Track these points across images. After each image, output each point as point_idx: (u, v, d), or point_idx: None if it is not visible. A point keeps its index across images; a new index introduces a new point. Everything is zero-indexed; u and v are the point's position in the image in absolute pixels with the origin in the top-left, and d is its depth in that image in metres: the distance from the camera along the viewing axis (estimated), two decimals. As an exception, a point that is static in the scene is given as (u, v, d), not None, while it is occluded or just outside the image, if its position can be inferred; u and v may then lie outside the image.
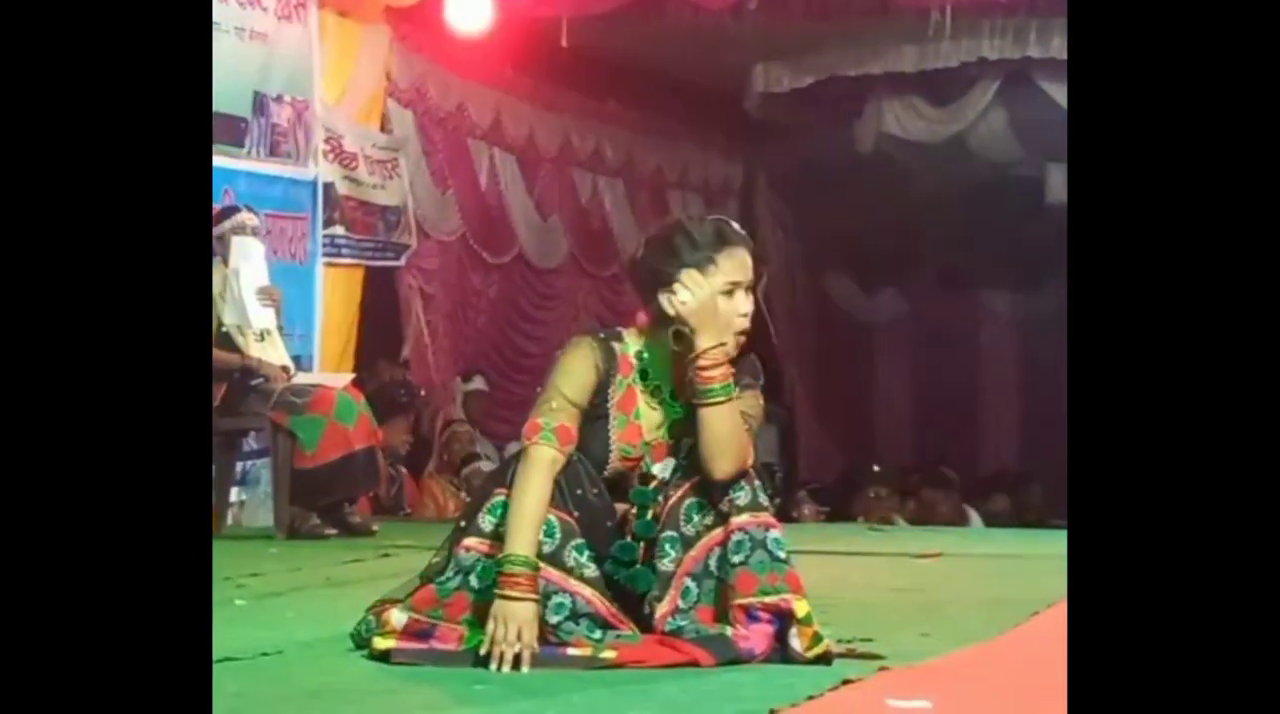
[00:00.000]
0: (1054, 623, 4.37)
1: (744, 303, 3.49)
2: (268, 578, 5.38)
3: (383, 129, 9.42)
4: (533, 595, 3.33)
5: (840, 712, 2.91)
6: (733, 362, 3.51)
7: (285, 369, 7.32)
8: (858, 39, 10.48)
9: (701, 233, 3.50)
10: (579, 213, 11.59)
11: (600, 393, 3.49)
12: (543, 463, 3.40)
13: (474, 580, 3.42)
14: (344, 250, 8.96)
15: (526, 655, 3.29)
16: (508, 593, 3.32)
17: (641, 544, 3.48)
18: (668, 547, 3.46)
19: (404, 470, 9.26)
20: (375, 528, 7.19)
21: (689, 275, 3.43)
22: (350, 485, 7.19)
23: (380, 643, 3.46)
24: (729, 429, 3.43)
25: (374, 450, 7.30)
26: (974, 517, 11.98)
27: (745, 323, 3.49)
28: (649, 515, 3.49)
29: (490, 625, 3.32)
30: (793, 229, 14.07)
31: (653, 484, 3.51)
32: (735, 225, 3.56)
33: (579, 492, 3.44)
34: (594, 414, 3.49)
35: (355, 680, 3.29)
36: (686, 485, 3.48)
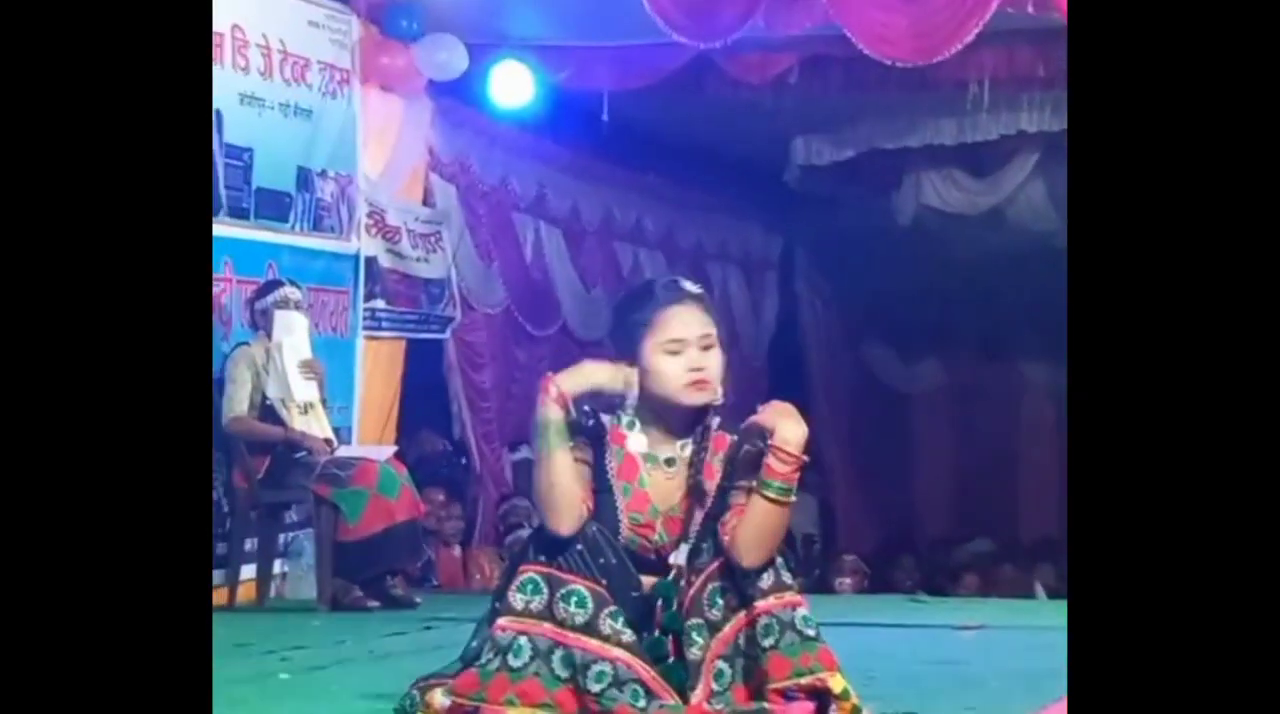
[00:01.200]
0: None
1: (697, 359, 3.49)
2: (311, 651, 5.40)
3: (425, 203, 9.49)
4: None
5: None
6: (732, 423, 3.54)
7: (328, 442, 7.37)
8: (896, 112, 10.54)
9: (633, 294, 3.59)
10: (621, 285, 11.64)
11: (599, 465, 3.51)
12: (559, 425, 3.46)
13: (512, 660, 3.43)
14: (384, 323, 9.02)
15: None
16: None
17: (670, 637, 3.48)
18: (695, 635, 3.46)
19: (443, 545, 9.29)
20: (418, 600, 7.21)
21: (634, 342, 3.49)
22: (393, 557, 7.21)
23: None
24: (776, 525, 3.44)
25: (416, 523, 7.33)
26: (1039, 589, 11.90)
27: (701, 376, 3.48)
28: (674, 608, 3.48)
29: None
30: (831, 300, 14.11)
31: (672, 574, 3.51)
32: (684, 282, 3.57)
33: (601, 560, 3.45)
34: (598, 487, 3.51)
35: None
36: (708, 570, 3.48)
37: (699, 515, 3.52)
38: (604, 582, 3.44)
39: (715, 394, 3.51)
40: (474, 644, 3.54)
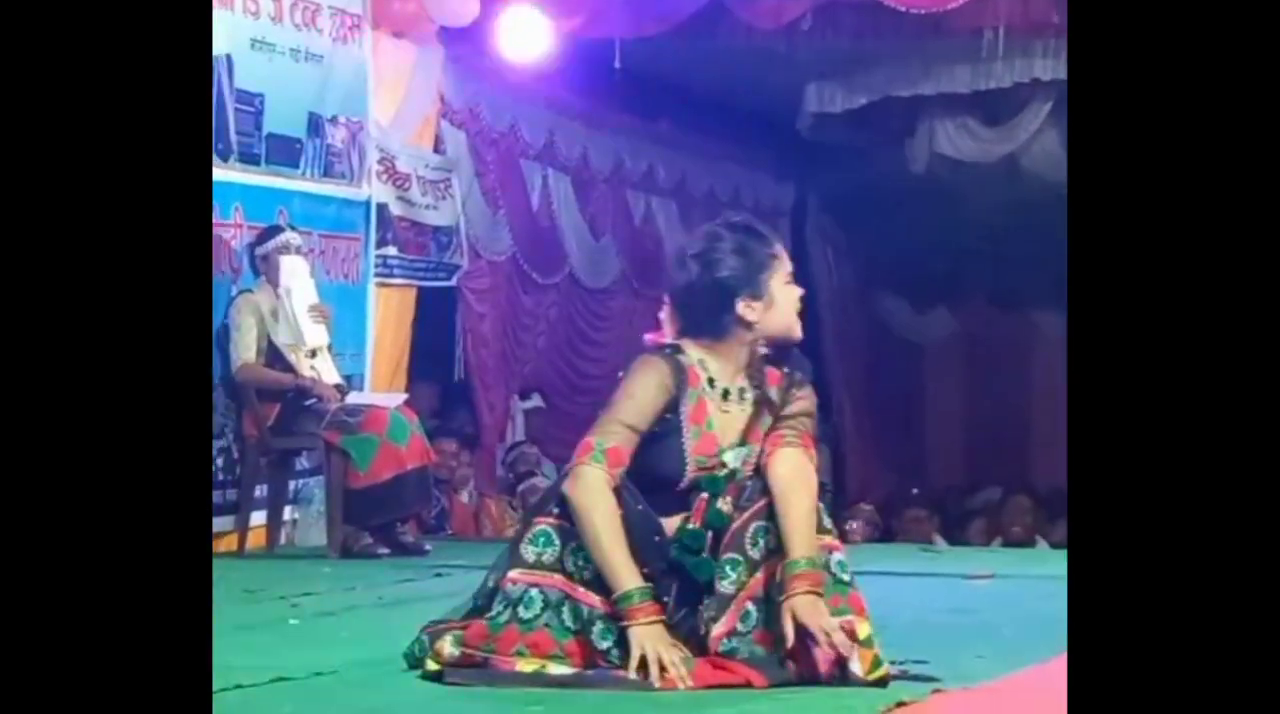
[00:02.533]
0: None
1: (798, 289, 3.59)
2: (321, 597, 5.40)
3: (436, 150, 9.45)
4: (657, 617, 3.36)
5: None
6: (781, 358, 3.58)
7: (338, 388, 7.36)
8: (910, 59, 10.47)
9: (748, 235, 3.58)
10: (632, 233, 11.60)
11: (671, 409, 3.50)
12: (598, 485, 3.41)
13: (523, 612, 3.42)
14: (396, 271, 8.99)
15: (674, 672, 3.30)
16: (635, 622, 3.34)
17: (710, 533, 3.47)
18: (729, 569, 3.45)
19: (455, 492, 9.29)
20: (428, 547, 7.20)
21: (760, 279, 3.51)
22: (403, 505, 7.21)
23: (433, 664, 3.47)
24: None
25: (426, 470, 7.33)
26: (1041, 540, 11.91)
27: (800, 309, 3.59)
28: (718, 504, 3.48)
29: (635, 654, 3.33)
30: (844, 249, 14.06)
31: (723, 471, 3.51)
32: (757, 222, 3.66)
33: (622, 513, 3.44)
34: (666, 429, 3.49)
35: (409, 700, 3.30)
36: (753, 508, 3.48)
37: (758, 437, 3.53)
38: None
39: None
40: (488, 585, 3.53)
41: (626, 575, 3.36)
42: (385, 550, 7.07)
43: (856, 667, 3.38)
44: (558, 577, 3.43)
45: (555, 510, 3.47)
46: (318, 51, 8.28)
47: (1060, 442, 10.84)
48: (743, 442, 3.53)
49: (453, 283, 9.56)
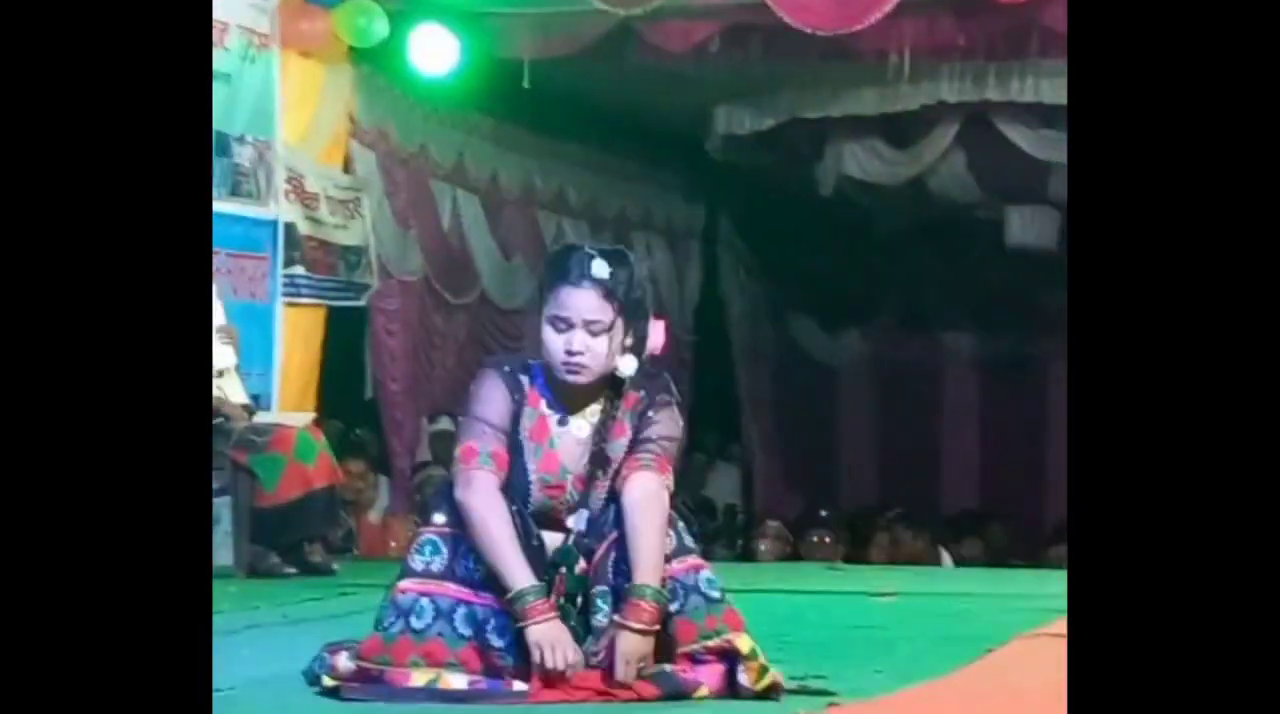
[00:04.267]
0: (1006, 660, 4.40)
1: (579, 341, 3.47)
2: (226, 616, 5.37)
3: (345, 169, 9.44)
4: (552, 615, 3.36)
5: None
6: (644, 381, 3.54)
7: (245, 408, 7.33)
8: (817, 82, 10.56)
9: (553, 263, 3.58)
10: (543, 254, 11.60)
11: (514, 422, 3.51)
12: (488, 486, 3.42)
13: (414, 622, 3.43)
14: (304, 290, 8.96)
15: (566, 661, 3.32)
16: (532, 621, 3.33)
17: (578, 599, 3.48)
18: (600, 602, 3.46)
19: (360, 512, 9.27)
20: (336, 567, 7.18)
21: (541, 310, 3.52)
22: (310, 524, 7.19)
23: (329, 680, 3.47)
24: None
25: (334, 490, 7.31)
26: (945, 557, 12.01)
27: (576, 360, 3.47)
28: (576, 571, 3.48)
29: (534, 653, 3.33)
30: (755, 270, 14.13)
31: (570, 538, 3.51)
32: (595, 264, 3.49)
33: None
34: (510, 448, 3.50)
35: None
36: (611, 536, 3.49)
37: (602, 480, 3.52)
38: None
39: (589, 377, 3.50)
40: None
41: (522, 574, 3.36)
42: (292, 570, 7.05)
43: (744, 679, 3.41)
44: (448, 585, 3.44)
45: (441, 519, 3.48)
46: (225, 70, 8.25)
47: (971, 462, 10.88)
48: (592, 472, 3.53)
49: (362, 303, 9.54)
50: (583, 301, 3.48)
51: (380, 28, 8.91)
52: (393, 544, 9.35)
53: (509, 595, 3.36)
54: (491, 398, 3.50)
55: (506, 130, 10.97)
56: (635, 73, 9.75)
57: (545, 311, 3.50)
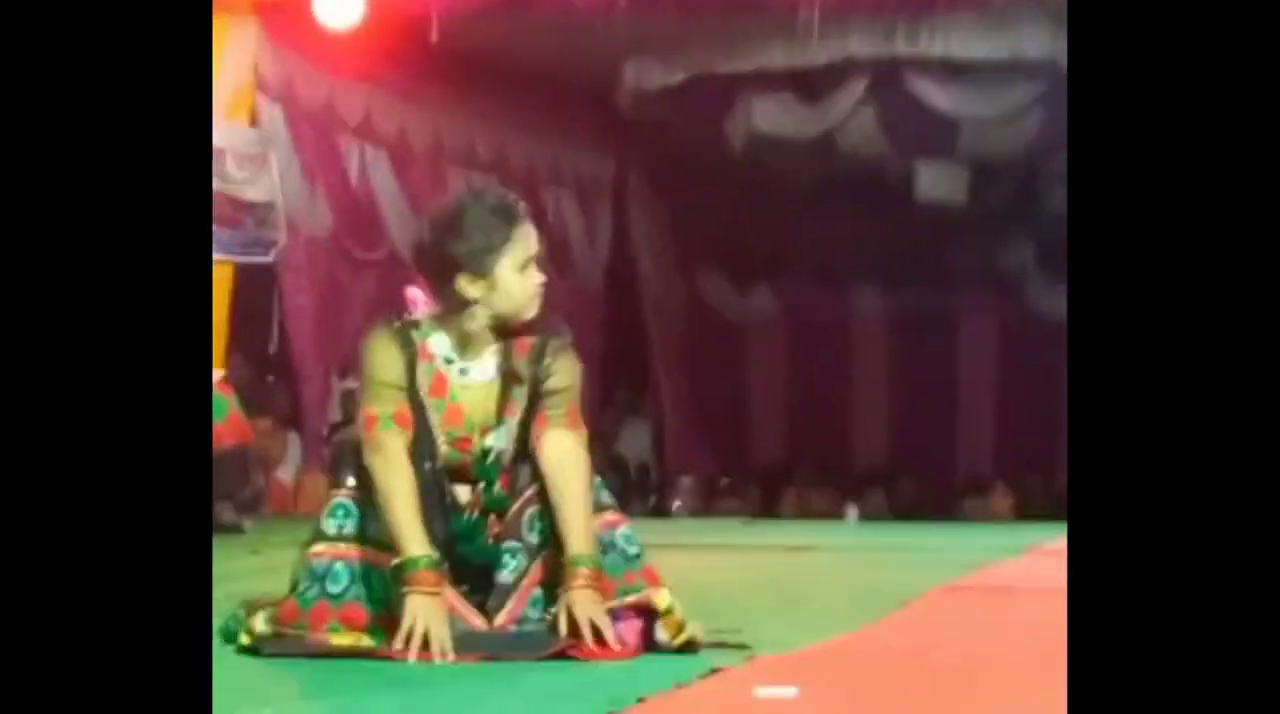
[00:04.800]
0: (921, 613, 4.43)
1: (538, 275, 3.48)
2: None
3: (251, 124, 9.33)
4: (437, 589, 3.31)
5: (708, 700, 2.92)
6: (538, 323, 3.50)
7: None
8: (728, 36, 10.54)
9: (490, 211, 3.46)
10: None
11: (410, 379, 3.46)
12: (394, 450, 3.38)
13: (330, 586, 3.39)
14: (212, 247, 8.87)
15: (437, 647, 3.26)
16: (414, 589, 3.29)
17: (490, 517, 3.45)
18: (508, 558, 3.43)
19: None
20: (246, 525, 7.13)
21: (489, 259, 3.41)
22: (220, 483, 7.12)
23: (246, 639, 3.43)
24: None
25: (244, 447, 7.26)
26: (851, 512, 12.11)
27: (541, 293, 3.48)
28: (495, 489, 3.46)
29: (404, 624, 3.27)
30: (666, 226, 14.11)
31: (490, 457, 3.48)
32: (515, 198, 3.51)
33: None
34: (412, 405, 3.45)
35: (223, 673, 3.25)
36: (525, 495, 3.46)
37: (515, 411, 3.49)
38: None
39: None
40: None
41: (414, 542, 3.31)
42: (202, 529, 6.99)
43: (662, 634, 3.40)
44: (364, 548, 3.40)
45: (351, 481, 3.44)
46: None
47: (880, 418, 10.97)
48: (499, 419, 3.49)
49: (270, 259, 9.45)
50: (534, 234, 3.49)
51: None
52: (306, 502, 9.31)
53: (397, 560, 3.32)
54: (384, 359, 3.46)
55: (414, 85, 10.89)
56: (544, 27, 9.70)
57: (507, 260, 3.42)
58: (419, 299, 3.55)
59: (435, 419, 3.47)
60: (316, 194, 10.01)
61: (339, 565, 3.39)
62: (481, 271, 3.41)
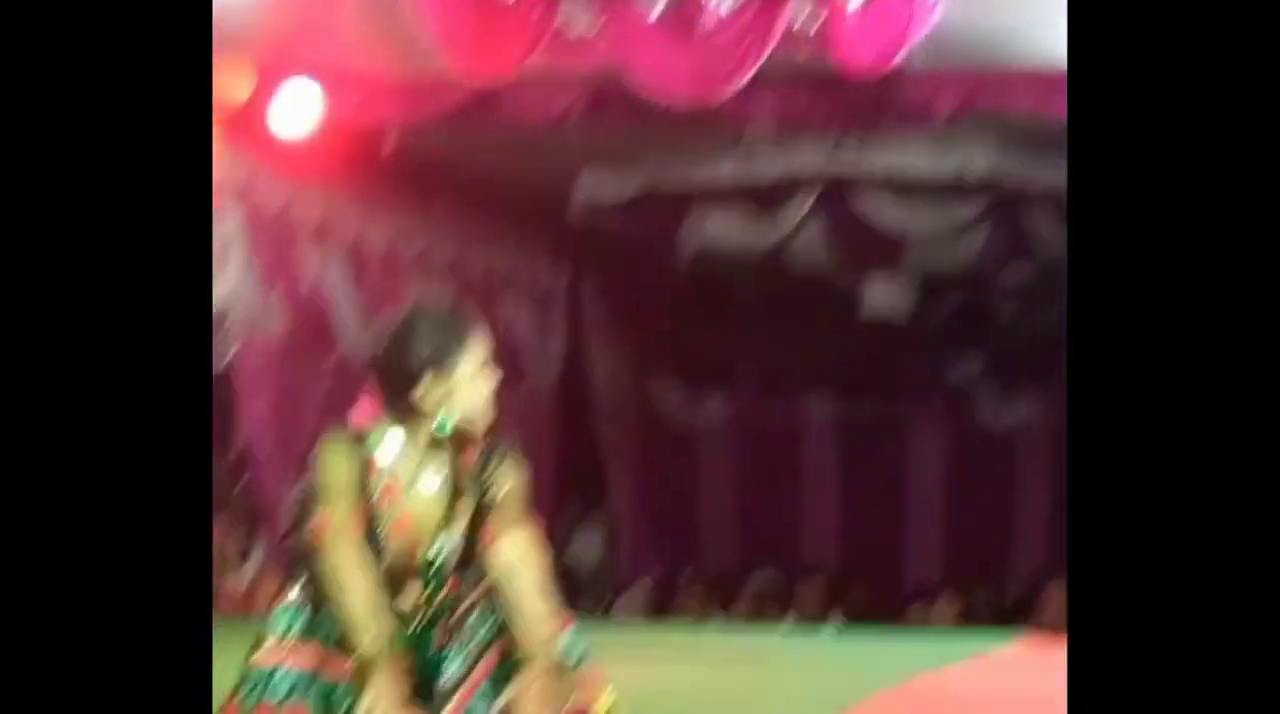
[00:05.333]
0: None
1: (493, 378, 3.59)
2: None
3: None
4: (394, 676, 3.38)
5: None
6: (485, 436, 3.59)
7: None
8: (678, 150, 10.69)
9: (444, 319, 3.58)
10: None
11: (361, 488, 3.52)
12: (348, 551, 3.44)
13: (272, 695, 3.43)
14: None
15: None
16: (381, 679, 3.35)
17: (437, 626, 3.53)
18: (449, 664, 3.50)
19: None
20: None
21: (447, 365, 3.50)
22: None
23: None
24: None
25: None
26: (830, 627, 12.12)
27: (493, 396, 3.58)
28: (441, 594, 3.53)
29: (364, 702, 3.35)
30: (619, 334, 14.19)
31: (436, 563, 3.54)
32: (462, 306, 3.65)
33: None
34: (360, 510, 3.52)
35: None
36: (472, 597, 3.54)
37: (460, 522, 3.56)
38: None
39: None
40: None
41: (372, 632, 3.40)
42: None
43: None
44: (311, 648, 3.46)
45: (296, 589, 3.53)
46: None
47: (827, 523, 10.95)
48: (445, 528, 3.55)
49: (227, 360, 9.50)
50: (484, 340, 3.60)
51: (245, 85, 8.92)
52: (263, 603, 9.31)
53: (356, 654, 3.38)
54: (335, 468, 3.53)
55: (371, 191, 10.99)
56: (499, 139, 9.83)
57: (471, 363, 3.53)
58: (369, 409, 3.62)
59: (384, 528, 3.53)
60: (273, 296, 10.07)
61: (281, 671, 3.43)
62: (439, 376, 3.49)
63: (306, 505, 9.99)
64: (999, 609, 11.96)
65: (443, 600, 3.54)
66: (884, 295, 11.82)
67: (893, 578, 13.91)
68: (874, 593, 13.49)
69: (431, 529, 3.56)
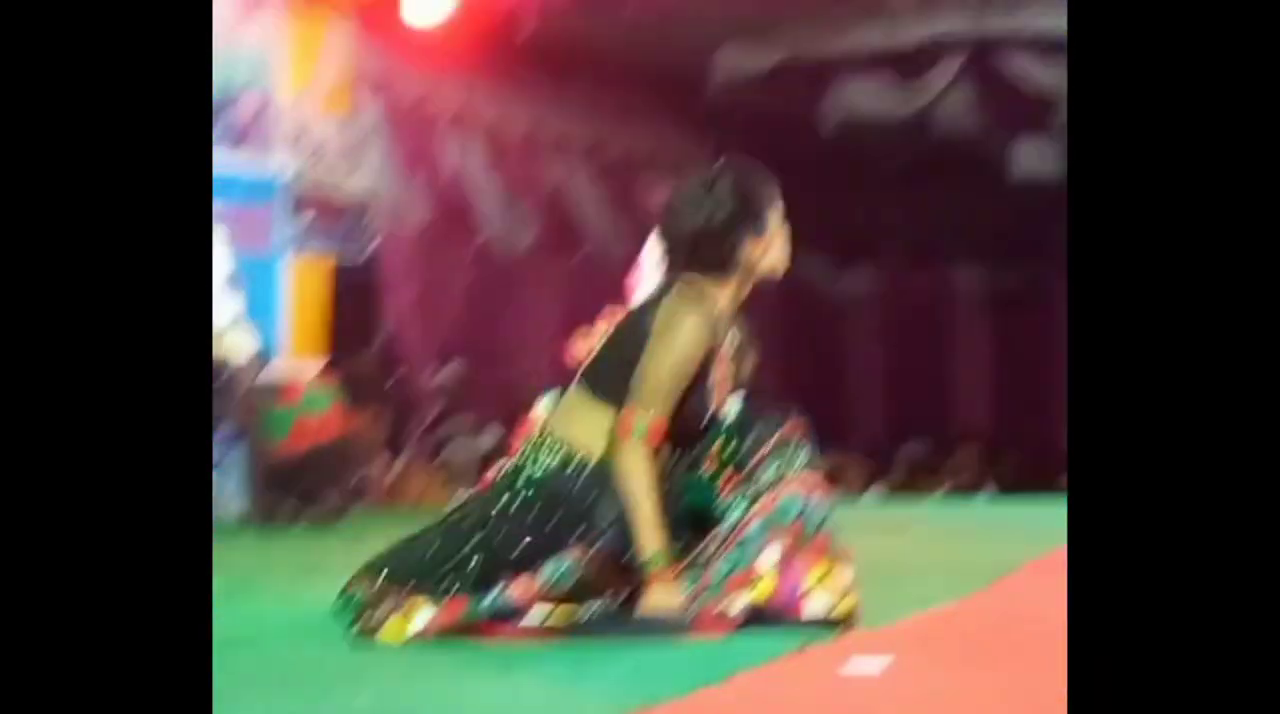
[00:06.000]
0: (1016, 587, 4.44)
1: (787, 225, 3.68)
2: (242, 566, 5.41)
3: (348, 119, 9.44)
4: (676, 580, 3.42)
5: (798, 673, 2.95)
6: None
7: (256, 358, 7.36)
8: (818, 20, 10.53)
9: (749, 174, 3.63)
10: (547, 198, 11.62)
11: (706, 359, 3.53)
12: (642, 466, 3.43)
13: (516, 620, 3.42)
14: (311, 240, 8.99)
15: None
16: (657, 584, 3.39)
17: (728, 470, 3.54)
18: (729, 513, 3.52)
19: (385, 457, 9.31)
20: (347, 515, 7.24)
21: (768, 219, 3.60)
22: (323, 474, 7.24)
23: (397, 629, 3.44)
24: None
25: (346, 439, 7.36)
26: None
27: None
28: (733, 446, 3.55)
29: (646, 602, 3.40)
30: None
31: (725, 426, 3.58)
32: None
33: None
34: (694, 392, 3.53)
35: (334, 662, 3.30)
36: (758, 456, 3.54)
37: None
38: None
39: None
40: (466, 565, 3.45)
41: (654, 541, 3.40)
42: (305, 519, 7.10)
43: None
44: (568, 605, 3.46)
45: (596, 545, 3.44)
46: (226, 21, 8.25)
47: (981, 394, 10.86)
48: (736, 388, 3.64)
49: (370, 252, 9.57)
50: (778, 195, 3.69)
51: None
52: (409, 492, 9.42)
53: (645, 559, 3.40)
54: (685, 354, 3.50)
55: (507, 76, 10.95)
56: (633, 18, 9.73)
57: (776, 213, 3.62)
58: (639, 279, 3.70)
59: (712, 393, 3.56)
60: (414, 187, 10.11)
61: (541, 609, 3.43)
62: (760, 230, 3.59)
63: (453, 391, 10.06)
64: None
65: (730, 454, 3.54)
66: (1033, 158, 11.59)
67: (1047, 446, 13.80)
68: (1028, 461, 13.40)
69: (729, 388, 3.61)
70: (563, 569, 3.42)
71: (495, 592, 3.42)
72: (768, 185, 3.62)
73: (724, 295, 3.58)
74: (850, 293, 15.00)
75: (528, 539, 3.43)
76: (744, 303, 3.66)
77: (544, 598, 3.42)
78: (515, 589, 3.42)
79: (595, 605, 3.46)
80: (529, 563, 3.42)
